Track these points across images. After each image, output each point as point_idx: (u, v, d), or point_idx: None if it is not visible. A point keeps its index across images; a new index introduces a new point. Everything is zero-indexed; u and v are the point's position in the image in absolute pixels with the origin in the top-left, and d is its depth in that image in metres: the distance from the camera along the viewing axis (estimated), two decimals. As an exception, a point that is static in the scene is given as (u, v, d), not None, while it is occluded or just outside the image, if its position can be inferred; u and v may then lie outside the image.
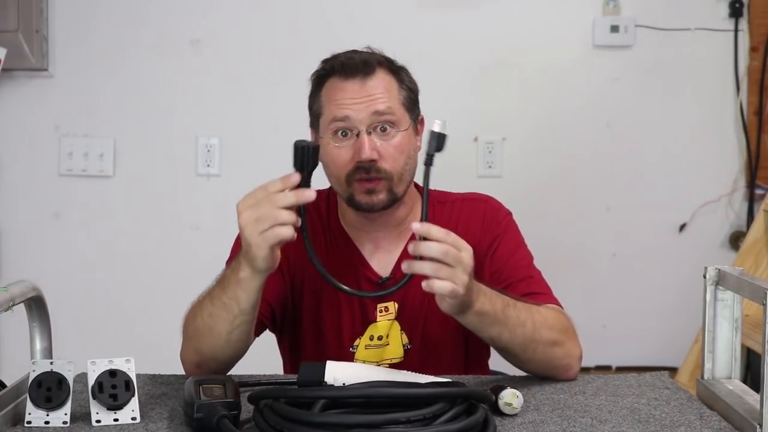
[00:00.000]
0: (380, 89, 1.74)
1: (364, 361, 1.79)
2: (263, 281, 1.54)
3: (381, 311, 1.80)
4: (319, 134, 1.78)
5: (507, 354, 1.66)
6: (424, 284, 1.46)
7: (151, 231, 3.25)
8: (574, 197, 3.27)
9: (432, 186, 1.87)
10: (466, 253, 1.47)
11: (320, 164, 1.80)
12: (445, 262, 1.44)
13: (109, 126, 3.22)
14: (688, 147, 3.28)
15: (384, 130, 1.73)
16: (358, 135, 1.72)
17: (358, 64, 1.74)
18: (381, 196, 1.74)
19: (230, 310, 1.56)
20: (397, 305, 1.81)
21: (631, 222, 3.28)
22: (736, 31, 3.24)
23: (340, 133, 1.74)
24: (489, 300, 1.57)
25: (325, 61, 1.79)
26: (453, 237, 1.47)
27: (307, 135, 1.80)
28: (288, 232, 1.45)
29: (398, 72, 1.79)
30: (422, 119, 1.84)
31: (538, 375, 1.68)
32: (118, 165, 3.23)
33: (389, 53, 1.86)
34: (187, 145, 3.23)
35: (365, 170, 1.72)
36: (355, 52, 1.79)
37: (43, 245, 3.24)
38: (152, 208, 3.25)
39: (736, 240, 3.25)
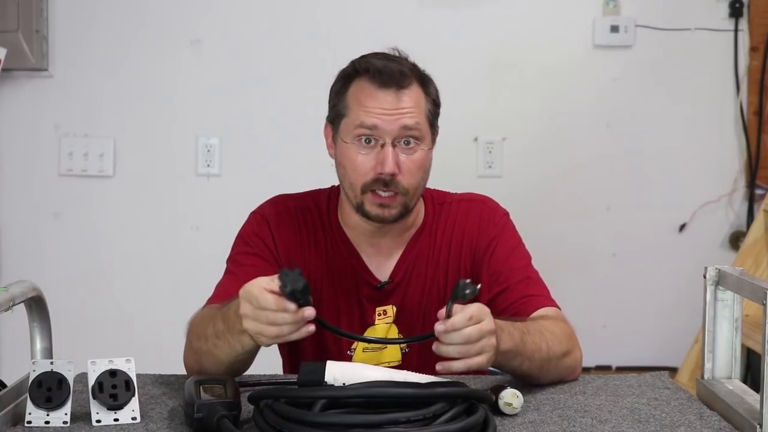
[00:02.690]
0: (411, 104, 1.72)
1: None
2: None
3: (379, 314, 1.80)
4: (338, 134, 1.77)
5: (525, 378, 1.64)
6: (440, 367, 1.44)
7: (152, 231, 3.24)
8: (574, 197, 3.27)
9: (432, 185, 1.89)
10: (487, 319, 1.46)
11: (332, 162, 1.80)
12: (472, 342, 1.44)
13: (109, 126, 3.22)
14: (689, 147, 3.28)
15: (408, 143, 1.72)
16: (382, 146, 1.71)
17: (395, 74, 1.72)
18: (393, 212, 1.73)
19: (234, 349, 1.54)
20: (395, 309, 1.81)
21: (631, 222, 3.28)
22: (736, 31, 3.24)
23: (364, 140, 1.72)
24: (509, 335, 1.55)
25: (358, 62, 1.76)
26: (475, 313, 1.44)
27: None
28: (296, 337, 1.42)
29: (427, 84, 1.78)
30: (438, 131, 1.83)
31: (546, 384, 1.67)
32: (118, 165, 3.23)
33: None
34: (187, 145, 3.23)
35: (384, 183, 1.71)
36: (388, 58, 1.76)
37: (43, 245, 3.24)
38: (152, 208, 3.24)
39: (736, 240, 3.25)
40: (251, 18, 3.22)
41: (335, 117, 1.78)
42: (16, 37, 3.12)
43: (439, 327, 1.43)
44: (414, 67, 1.76)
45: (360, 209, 1.74)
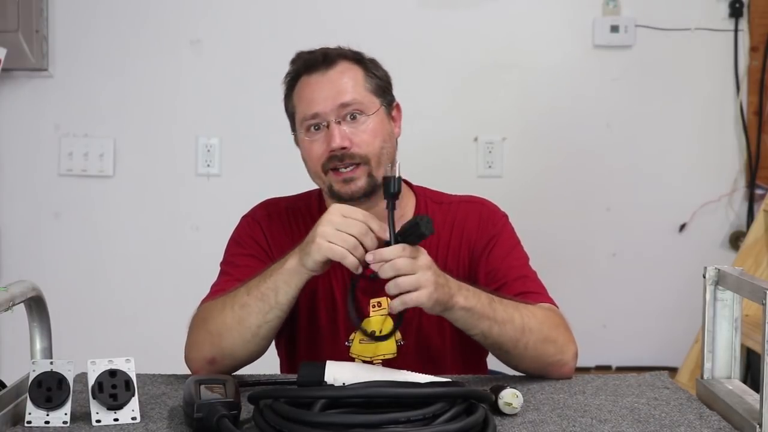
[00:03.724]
0: (344, 78, 1.76)
1: (358, 356, 1.79)
2: (304, 281, 1.58)
3: (374, 306, 1.80)
4: (296, 134, 1.81)
5: (499, 351, 1.67)
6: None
7: (152, 231, 3.25)
8: (574, 197, 3.27)
9: (431, 185, 1.89)
10: (422, 256, 1.53)
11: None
12: (405, 274, 1.50)
13: (109, 126, 3.22)
14: (688, 147, 3.28)
15: (354, 118, 1.75)
16: (328, 126, 1.74)
17: (318, 58, 1.78)
18: (360, 183, 1.74)
19: (266, 301, 1.59)
20: (389, 300, 1.81)
21: (631, 222, 3.28)
22: (736, 31, 3.24)
23: (312, 128, 1.76)
24: (473, 294, 1.60)
25: (292, 62, 1.83)
26: (409, 248, 1.52)
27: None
28: (353, 264, 1.52)
29: (363, 62, 1.81)
30: (398, 105, 1.85)
31: (533, 373, 1.69)
32: (118, 165, 3.23)
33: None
34: (187, 145, 3.23)
35: (339, 159, 1.73)
36: (319, 48, 1.81)
37: (43, 245, 3.24)
38: (152, 208, 3.25)
39: (736, 240, 3.25)
40: (251, 18, 3.22)
41: (291, 121, 1.83)
42: (16, 37, 3.12)
43: (368, 257, 1.51)
44: (347, 51, 1.81)
45: (331, 192, 1.77)
